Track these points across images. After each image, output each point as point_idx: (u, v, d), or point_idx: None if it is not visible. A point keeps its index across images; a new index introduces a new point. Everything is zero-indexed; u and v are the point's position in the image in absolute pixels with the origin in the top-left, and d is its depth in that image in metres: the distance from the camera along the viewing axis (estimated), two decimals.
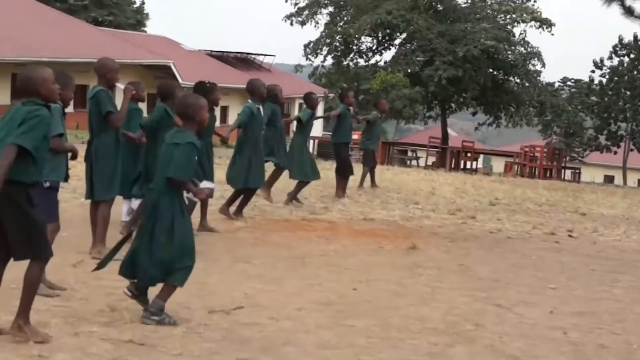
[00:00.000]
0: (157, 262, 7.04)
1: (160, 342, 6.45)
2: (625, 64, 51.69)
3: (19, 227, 6.19)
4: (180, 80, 46.12)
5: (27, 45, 37.52)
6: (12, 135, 6.09)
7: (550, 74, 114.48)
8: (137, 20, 65.32)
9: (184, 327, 6.90)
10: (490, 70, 49.69)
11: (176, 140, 7.15)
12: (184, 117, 7.33)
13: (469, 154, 35.50)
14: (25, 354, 5.88)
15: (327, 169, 21.66)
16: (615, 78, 51.73)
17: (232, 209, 12.86)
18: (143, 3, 66.95)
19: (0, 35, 37.26)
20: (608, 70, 52.45)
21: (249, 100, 12.74)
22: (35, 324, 6.43)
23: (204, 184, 7.45)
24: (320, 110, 57.91)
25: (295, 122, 15.32)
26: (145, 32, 64.21)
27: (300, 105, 55.72)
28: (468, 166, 35.23)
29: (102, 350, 6.14)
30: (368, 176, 18.89)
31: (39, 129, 6.20)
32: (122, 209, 11.16)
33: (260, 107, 12.80)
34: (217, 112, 12.12)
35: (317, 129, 51.91)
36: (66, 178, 8.20)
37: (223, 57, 59.10)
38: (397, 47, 51.43)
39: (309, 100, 15.39)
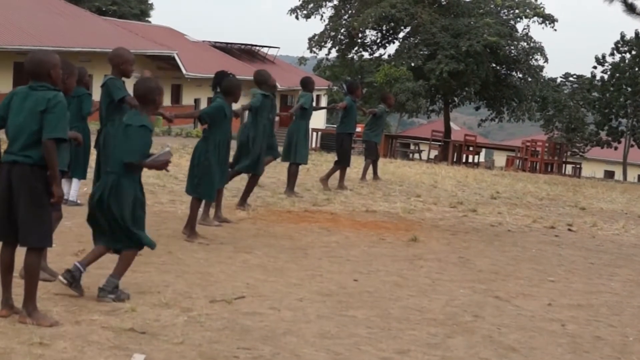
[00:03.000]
0: (119, 237, 7.31)
1: (162, 330, 6.50)
2: (626, 61, 51.67)
3: (32, 211, 6.29)
4: (184, 71, 46.19)
5: (31, 33, 37.55)
6: (46, 130, 6.20)
7: (552, 70, 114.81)
8: (141, 10, 65.33)
9: (185, 316, 6.95)
10: (493, 65, 49.68)
11: (130, 122, 7.37)
12: (145, 100, 7.53)
13: (471, 148, 35.51)
14: (27, 341, 5.91)
15: (330, 161, 21.71)
16: (617, 74, 51.70)
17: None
18: None
19: (4, 23, 37.28)
20: (610, 67, 52.44)
21: (258, 90, 12.78)
22: None
23: (160, 154, 7.60)
24: (323, 103, 57.97)
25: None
26: (149, 22, 64.22)
27: None
28: (470, 160, 35.24)
29: (103, 338, 6.18)
30: (370, 168, 18.93)
31: (65, 115, 6.33)
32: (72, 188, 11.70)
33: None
34: None
35: (321, 121, 51.96)
36: (68, 166, 8.25)
37: (227, 49, 59.12)
38: (400, 40, 51.42)
39: (308, 85, 15.41)
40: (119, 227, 7.29)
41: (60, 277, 7.28)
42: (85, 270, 7.34)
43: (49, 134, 6.21)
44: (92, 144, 11.19)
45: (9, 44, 35.71)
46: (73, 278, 7.23)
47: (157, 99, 7.59)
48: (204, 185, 10.50)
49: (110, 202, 7.24)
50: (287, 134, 15.14)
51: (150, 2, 67.69)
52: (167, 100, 49.36)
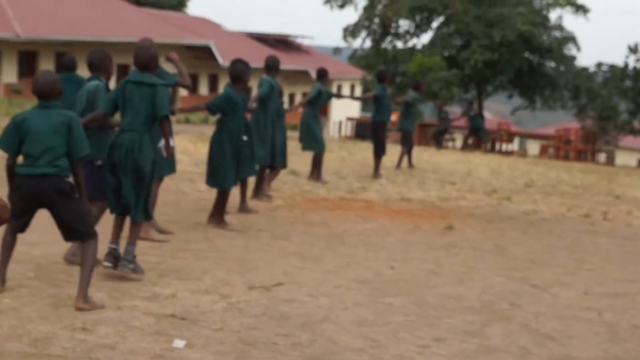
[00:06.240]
0: (139, 197, 7.53)
1: (201, 317, 6.57)
2: None
3: (73, 208, 6.56)
4: (220, 61, 46.30)
5: (70, 25, 37.86)
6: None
7: (585, 58, 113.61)
8: (179, 1, 65.47)
9: (224, 302, 7.03)
10: (526, 54, 49.40)
11: (151, 81, 7.67)
12: (148, 67, 7.83)
13: (504, 137, 35.37)
14: (69, 326, 6.01)
15: (365, 149, 21.74)
16: None
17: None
18: None
19: (44, 15, 37.64)
20: None
21: (264, 75, 12.56)
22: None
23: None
24: (358, 92, 57.89)
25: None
26: (186, 13, 64.37)
27: (339, 86, 55.74)
28: (503, 148, 35.12)
29: (145, 324, 6.27)
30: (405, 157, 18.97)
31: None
32: None
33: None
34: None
35: (355, 110, 51.98)
36: None
37: (262, 39, 59.16)
38: (434, 30, 51.25)
39: (324, 76, 15.39)
40: (134, 187, 7.49)
41: (105, 263, 7.44)
42: (118, 245, 7.57)
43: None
44: None
45: (50, 35, 36.10)
46: (115, 259, 7.43)
47: (156, 65, 7.97)
48: (218, 175, 10.34)
49: (133, 159, 7.47)
50: (299, 123, 15.27)
51: None
52: (204, 89, 49.55)
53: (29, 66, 37.29)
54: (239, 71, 10.44)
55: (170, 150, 7.93)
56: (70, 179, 6.55)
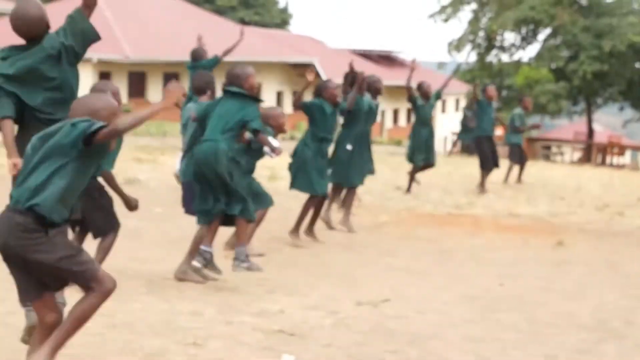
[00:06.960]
0: (242, 199, 7.71)
1: (310, 332, 6.58)
2: None
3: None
4: (324, 78, 46.67)
5: (178, 45, 38.56)
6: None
7: None
8: (282, 19, 66.28)
9: (332, 318, 7.03)
10: (637, 64, 48.36)
11: (237, 90, 7.82)
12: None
13: (615, 149, 34.69)
14: (181, 340, 6.07)
15: (471, 164, 21.57)
16: None
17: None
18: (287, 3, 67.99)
19: (152, 36, 38.48)
20: None
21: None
22: (191, 313, 6.72)
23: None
24: (462, 105, 57.60)
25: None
26: (290, 31, 65.08)
27: (443, 101, 55.57)
28: (615, 162, 34.42)
29: (254, 339, 6.29)
30: (515, 172, 18.78)
31: None
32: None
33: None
34: None
35: (457, 125, 51.75)
36: None
37: (366, 55, 59.31)
38: (541, 42, 50.65)
39: (422, 89, 15.42)
40: (223, 192, 7.65)
41: (194, 262, 7.58)
42: (212, 248, 7.72)
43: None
44: None
45: (159, 56, 36.90)
46: (205, 260, 7.63)
47: (243, 84, 7.87)
48: (299, 178, 10.20)
49: (210, 168, 7.61)
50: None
51: (290, 12, 68.64)
52: None
53: (138, 87, 38.16)
54: (318, 87, 10.64)
55: (278, 149, 7.98)
56: None
